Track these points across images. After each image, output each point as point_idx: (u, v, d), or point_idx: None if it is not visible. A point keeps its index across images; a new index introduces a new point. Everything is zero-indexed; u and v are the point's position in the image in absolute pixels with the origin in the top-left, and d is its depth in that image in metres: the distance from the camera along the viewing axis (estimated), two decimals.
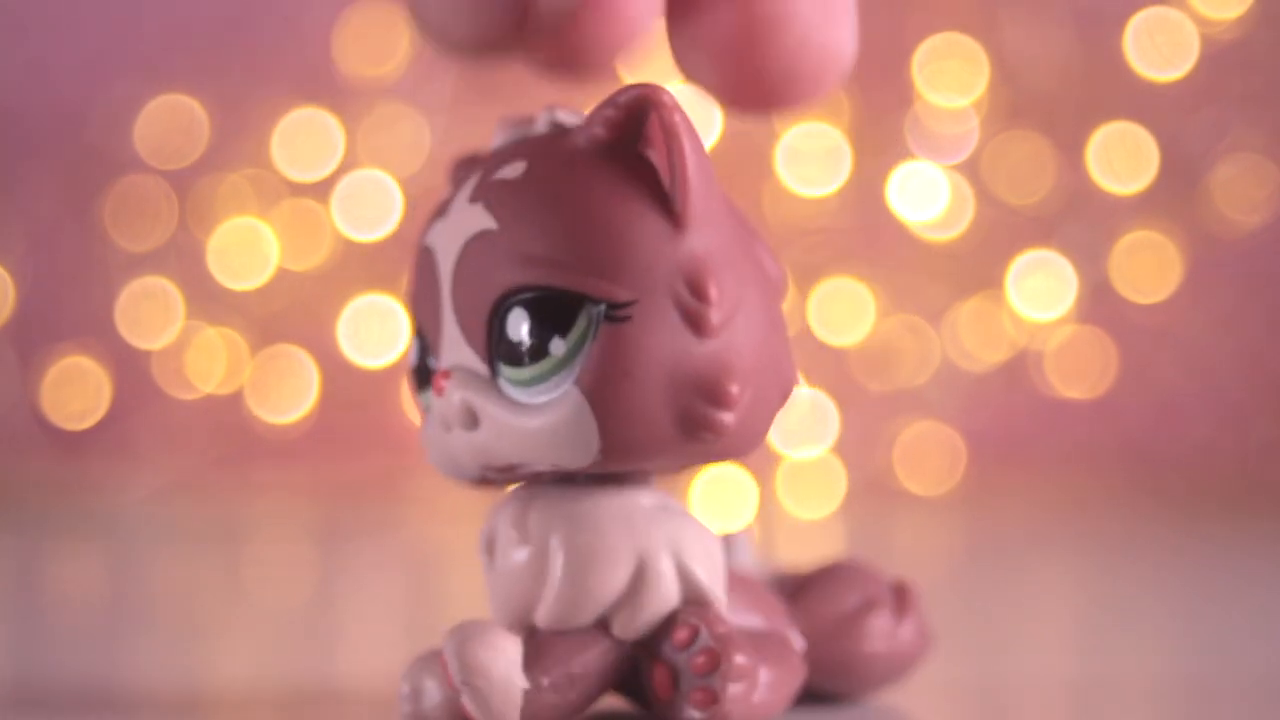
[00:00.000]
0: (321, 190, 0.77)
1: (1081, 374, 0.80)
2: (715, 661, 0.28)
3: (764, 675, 0.28)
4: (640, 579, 0.28)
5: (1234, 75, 0.78)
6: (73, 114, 0.78)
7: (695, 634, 0.28)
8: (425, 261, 0.29)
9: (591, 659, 0.28)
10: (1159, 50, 0.77)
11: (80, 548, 0.60)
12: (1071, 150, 0.79)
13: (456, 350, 0.28)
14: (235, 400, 0.78)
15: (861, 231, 0.78)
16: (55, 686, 0.35)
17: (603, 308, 0.27)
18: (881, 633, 0.31)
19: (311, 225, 0.77)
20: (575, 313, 0.27)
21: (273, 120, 0.77)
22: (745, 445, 0.28)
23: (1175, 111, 0.78)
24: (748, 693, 0.28)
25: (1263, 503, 0.73)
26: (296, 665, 0.38)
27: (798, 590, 0.31)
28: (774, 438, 0.73)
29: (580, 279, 0.27)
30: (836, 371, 0.77)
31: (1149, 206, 0.79)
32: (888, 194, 0.78)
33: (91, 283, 0.78)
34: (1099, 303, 0.79)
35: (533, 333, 0.27)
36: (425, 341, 0.29)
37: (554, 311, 0.27)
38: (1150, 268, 0.79)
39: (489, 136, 0.30)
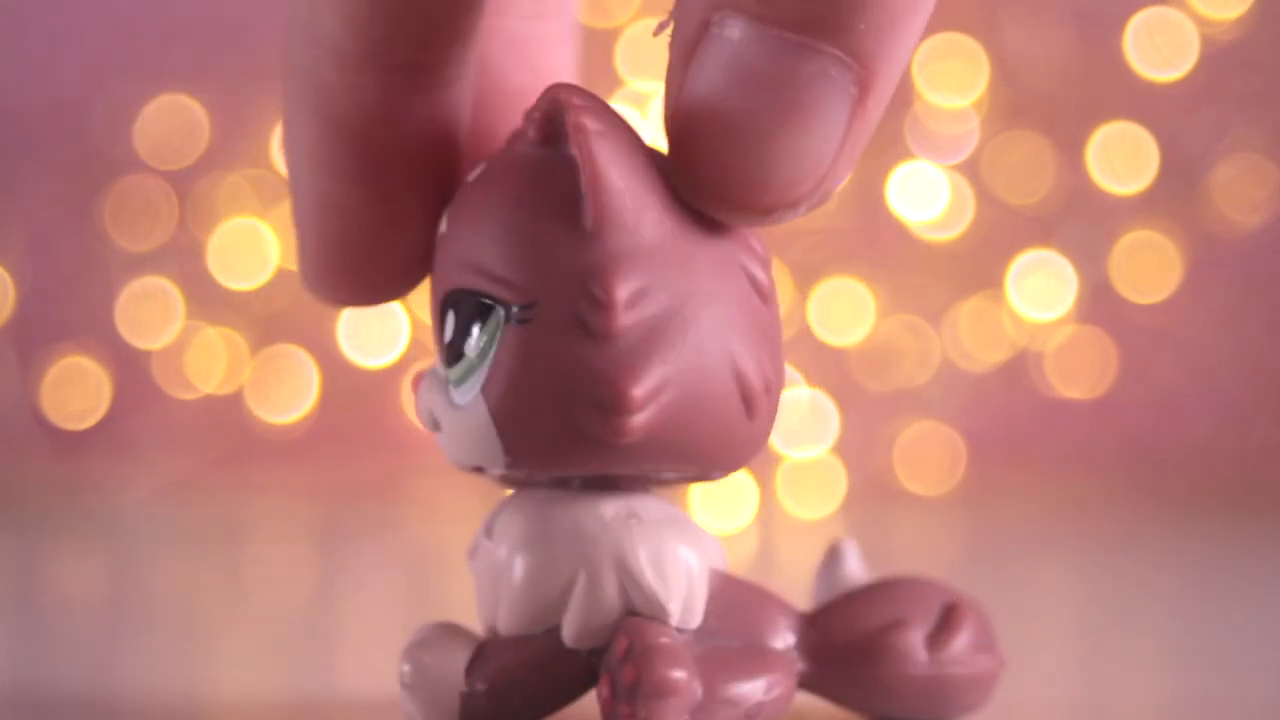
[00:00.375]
0: None
1: (1081, 374, 0.80)
2: (638, 673, 0.27)
3: (705, 690, 0.27)
4: (584, 589, 0.28)
5: (1234, 75, 0.78)
6: (73, 114, 0.78)
7: (629, 644, 0.27)
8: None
9: (533, 663, 0.28)
10: (1159, 50, 0.77)
11: (80, 548, 0.60)
12: (1071, 150, 0.79)
13: (437, 353, 0.29)
14: (235, 400, 0.78)
15: (861, 231, 0.77)
16: (55, 687, 0.34)
17: (509, 311, 0.27)
18: (907, 654, 0.30)
19: None
20: (487, 316, 0.27)
21: (273, 120, 0.77)
22: (742, 455, 0.28)
23: (1175, 111, 0.78)
24: (677, 708, 0.27)
25: (1263, 503, 0.73)
26: (296, 665, 0.38)
27: (828, 606, 0.31)
28: (773, 438, 0.73)
29: (489, 282, 0.27)
30: (836, 371, 0.77)
31: (1149, 206, 0.79)
32: (887, 194, 0.78)
33: (91, 283, 0.78)
34: (1099, 303, 0.79)
35: (455, 334, 0.27)
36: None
37: (472, 314, 0.27)
38: (1150, 268, 0.79)
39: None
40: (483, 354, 0.27)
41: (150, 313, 0.77)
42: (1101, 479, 0.76)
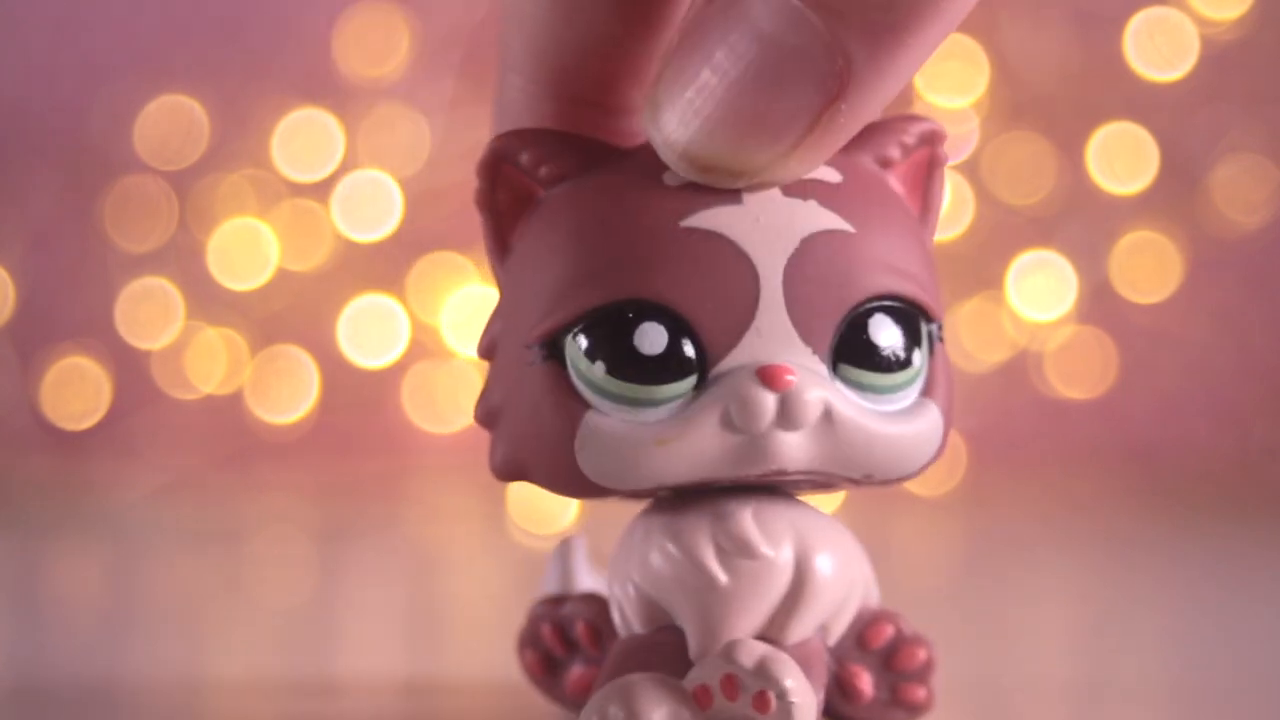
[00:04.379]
0: (321, 190, 0.77)
1: (1081, 374, 0.80)
2: (922, 656, 0.29)
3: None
4: (852, 589, 0.29)
5: (1234, 75, 0.78)
6: (73, 114, 0.78)
7: (896, 632, 0.29)
8: (711, 247, 0.27)
9: (826, 669, 0.28)
10: (1159, 50, 0.77)
11: (80, 548, 0.60)
12: (1071, 150, 0.79)
13: (777, 348, 0.27)
14: (235, 400, 0.78)
15: None
16: (55, 686, 0.34)
17: (938, 328, 0.28)
18: None
19: (311, 225, 0.77)
20: (920, 327, 0.27)
21: (273, 120, 0.77)
22: None
23: (1175, 111, 0.78)
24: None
25: (1263, 503, 0.73)
26: (296, 665, 0.38)
27: None
28: None
29: (929, 295, 0.27)
30: None
31: (1149, 206, 0.79)
32: None
33: (91, 283, 0.78)
34: (1099, 303, 0.79)
35: (900, 341, 0.27)
36: (690, 330, 0.27)
37: (912, 323, 0.27)
38: (1150, 268, 0.79)
39: (488, 136, 0.30)
40: (924, 364, 0.27)
41: (150, 313, 0.77)
42: (1101, 479, 0.76)
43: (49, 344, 0.78)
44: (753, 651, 0.26)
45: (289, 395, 0.78)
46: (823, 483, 0.28)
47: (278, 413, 0.78)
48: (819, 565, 0.27)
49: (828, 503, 0.74)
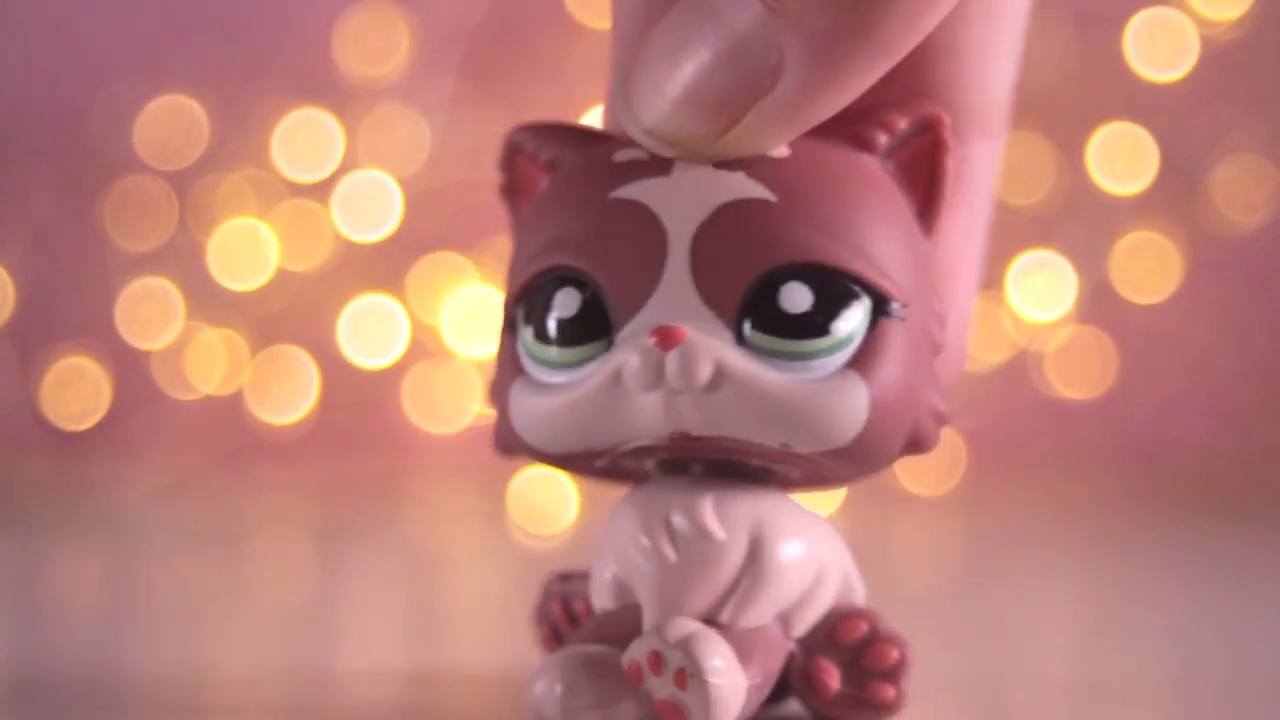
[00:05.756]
0: (321, 190, 0.77)
1: (1081, 374, 0.80)
2: (895, 656, 0.28)
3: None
4: (820, 578, 0.29)
5: (1234, 75, 0.78)
6: (73, 114, 0.78)
7: (871, 629, 0.28)
8: (629, 214, 0.28)
9: (777, 657, 0.28)
10: (1159, 50, 0.77)
11: (80, 548, 0.60)
12: (1071, 150, 0.79)
13: (678, 311, 0.27)
14: (235, 400, 0.78)
15: None
16: (55, 686, 0.35)
17: (878, 301, 0.27)
18: None
19: (311, 225, 0.77)
20: (855, 300, 0.27)
21: (273, 120, 0.77)
22: (880, 472, 0.29)
23: (1175, 111, 0.78)
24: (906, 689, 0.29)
25: (1263, 503, 0.73)
26: (296, 665, 0.38)
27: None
28: None
29: (870, 270, 0.27)
30: None
31: (1149, 206, 0.79)
32: None
33: (91, 283, 0.78)
34: (1099, 303, 0.79)
35: (816, 308, 0.27)
36: (597, 294, 0.28)
37: (838, 293, 0.27)
38: (1150, 268, 0.79)
39: (489, 136, 0.30)
40: (853, 335, 0.27)
41: (150, 313, 0.77)
42: (1101, 479, 0.76)
43: (49, 344, 0.78)
44: (680, 629, 0.27)
45: (289, 395, 0.78)
46: (767, 460, 0.28)
47: (278, 413, 0.78)
48: (775, 552, 0.28)
49: (827, 501, 0.74)
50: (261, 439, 0.77)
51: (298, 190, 0.77)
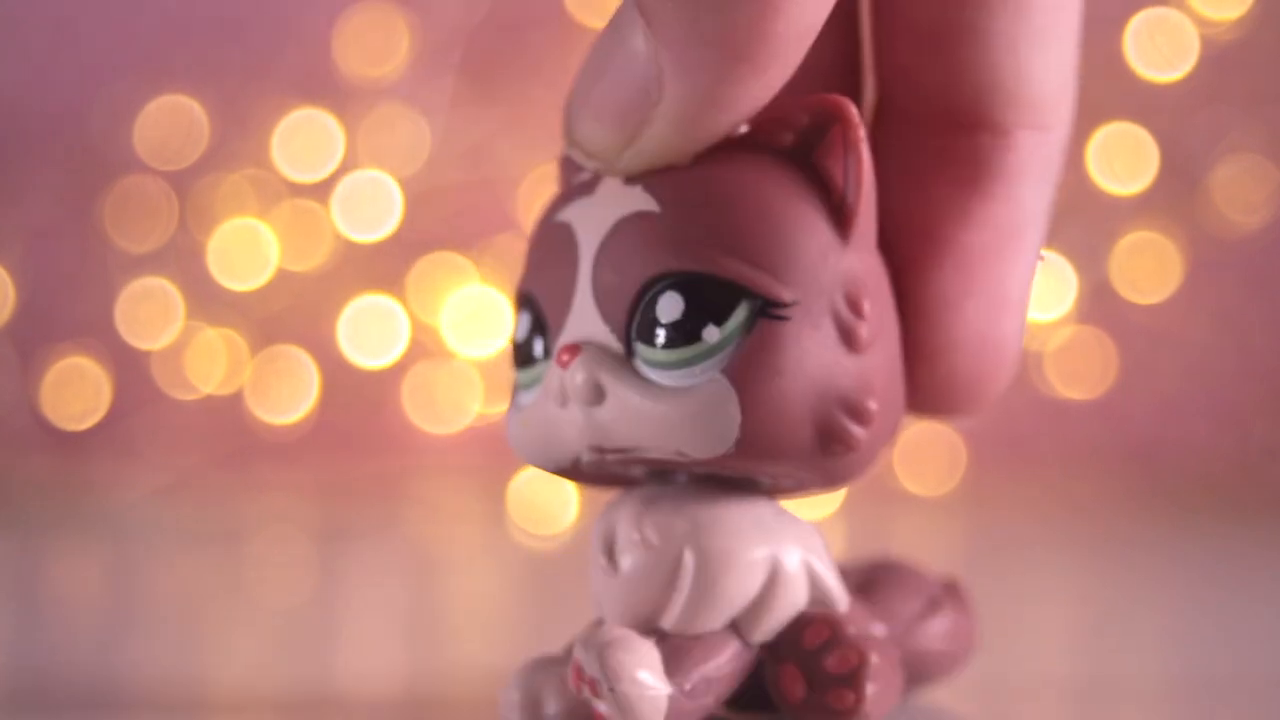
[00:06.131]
0: (321, 190, 0.77)
1: (1081, 374, 0.80)
2: (854, 661, 0.28)
3: (893, 677, 0.29)
4: (773, 583, 0.28)
5: (1234, 75, 0.78)
6: (73, 114, 0.78)
7: (831, 634, 0.28)
8: (558, 236, 0.29)
9: (725, 663, 0.28)
10: (1159, 50, 0.77)
11: (80, 548, 0.60)
12: (1071, 150, 0.78)
13: (585, 326, 0.28)
14: (235, 400, 0.78)
15: None
16: (55, 686, 0.34)
17: (760, 303, 0.27)
18: (942, 633, 0.32)
19: (311, 225, 0.77)
20: (733, 304, 0.27)
21: (273, 120, 0.77)
22: (855, 471, 0.29)
23: (1175, 111, 0.78)
24: (883, 694, 0.28)
25: (1263, 503, 0.73)
26: (296, 665, 0.38)
27: (863, 591, 0.31)
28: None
29: (746, 272, 0.27)
30: None
31: (1149, 206, 0.79)
32: None
33: (91, 283, 0.78)
34: (1099, 303, 0.79)
35: (686, 316, 0.27)
36: (539, 316, 0.29)
37: (711, 299, 0.27)
38: (1150, 268, 0.79)
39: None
40: (727, 340, 0.27)
41: (150, 313, 0.77)
42: (1101, 479, 0.76)
43: (49, 344, 0.78)
44: (599, 638, 0.27)
45: (289, 395, 0.78)
46: (681, 468, 0.28)
47: (278, 413, 0.78)
48: (715, 558, 0.28)
49: (828, 501, 0.74)
50: (261, 439, 0.77)
51: (298, 190, 0.77)
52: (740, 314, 0.27)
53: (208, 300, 0.77)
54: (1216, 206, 0.79)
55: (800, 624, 0.29)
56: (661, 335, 0.27)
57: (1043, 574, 0.57)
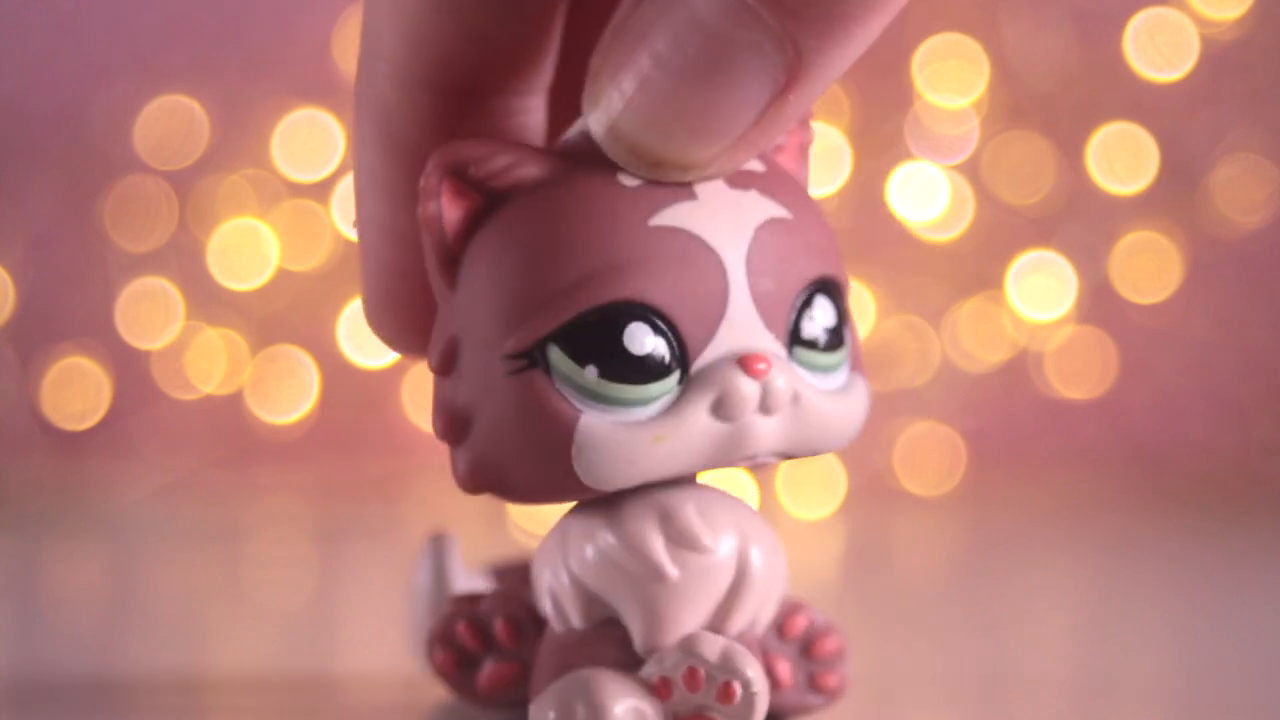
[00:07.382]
0: (321, 190, 0.77)
1: (1081, 374, 0.80)
2: (836, 643, 0.30)
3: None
4: (781, 581, 0.29)
5: (1234, 75, 0.78)
6: (73, 114, 0.78)
7: (809, 623, 0.30)
8: (681, 242, 0.27)
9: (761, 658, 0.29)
10: (1159, 50, 0.77)
11: (80, 548, 0.60)
12: (1071, 150, 0.79)
13: (746, 335, 0.27)
14: (235, 400, 0.78)
15: (861, 232, 0.77)
16: (55, 686, 0.34)
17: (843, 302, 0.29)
18: None
19: (311, 225, 0.77)
20: (845, 304, 0.29)
21: (273, 120, 0.77)
22: None
23: (1175, 111, 0.78)
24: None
25: (1263, 503, 0.73)
26: (297, 666, 0.38)
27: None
28: None
29: (842, 272, 0.29)
30: None
31: (1149, 206, 0.79)
32: (888, 194, 0.78)
33: (91, 283, 0.78)
34: (1099, 303, 0.79)
35: (835, 320, 0.28)
36: (672, 326, 0.27)
37: (839, 301, 0.29)
38: (1150, 268, 0.79)
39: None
40: (848, 339, 0.29)
41: (150, 313, 0.77)
42: (1101, 479, 0.76)
43: (49, 344, 0.78)
44: (715, 644, 0.27)
45: (289, 395, 0.78)
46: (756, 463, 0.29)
47: (278, 413, 0.78)
48: (756, 559, 0.28)
49: (828, 501, 0.74)
50: (261, 439, 0.77)
51: (298, 190, 0.77)
52: (846, 313, 0.29)
53: (208, 300, 0.77)
54: (1216, 206, 0.79)
55: (781, 614, 0.30)
56: (823, 339, 0.28)
57: (1043, 573, 0.57)
